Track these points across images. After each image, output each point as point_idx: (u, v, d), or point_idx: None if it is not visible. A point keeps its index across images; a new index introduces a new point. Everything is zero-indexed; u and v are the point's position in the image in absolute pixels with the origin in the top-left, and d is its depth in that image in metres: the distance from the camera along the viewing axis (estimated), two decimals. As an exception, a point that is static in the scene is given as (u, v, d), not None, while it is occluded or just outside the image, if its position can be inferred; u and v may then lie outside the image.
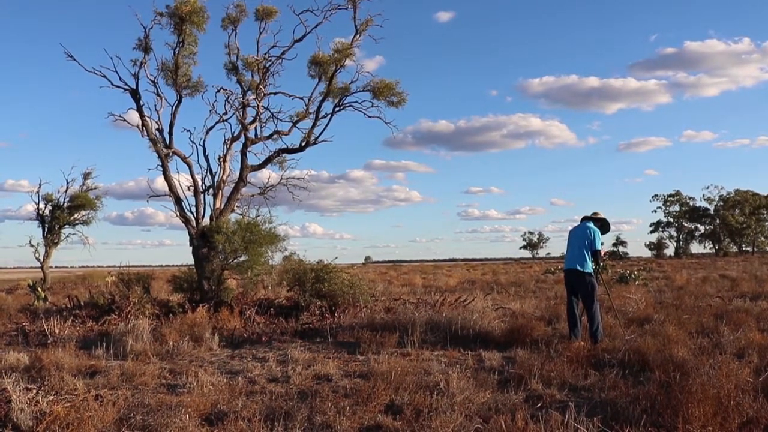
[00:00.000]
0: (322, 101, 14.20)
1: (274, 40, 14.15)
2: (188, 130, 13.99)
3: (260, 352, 8.85)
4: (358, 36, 14.01)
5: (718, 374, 5.30)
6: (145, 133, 13.32)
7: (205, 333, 9.61)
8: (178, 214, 13.28)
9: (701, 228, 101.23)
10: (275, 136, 14.36)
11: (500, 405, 5.51)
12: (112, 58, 13.19)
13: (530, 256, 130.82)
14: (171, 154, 13.58)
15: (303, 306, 11.83)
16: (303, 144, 14.19)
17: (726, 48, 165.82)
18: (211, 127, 14.08)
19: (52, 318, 11.14)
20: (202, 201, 13.53)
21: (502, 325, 9.79)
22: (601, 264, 9.73)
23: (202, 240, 12.85)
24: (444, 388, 5.98)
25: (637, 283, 20.55)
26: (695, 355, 7.16)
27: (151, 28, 13.35)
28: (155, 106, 13.68)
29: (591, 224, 8.98)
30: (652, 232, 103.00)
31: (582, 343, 8.29)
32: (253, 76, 14.33)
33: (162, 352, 8.71)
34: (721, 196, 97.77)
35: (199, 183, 13.62)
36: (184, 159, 13.72)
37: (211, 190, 13.74)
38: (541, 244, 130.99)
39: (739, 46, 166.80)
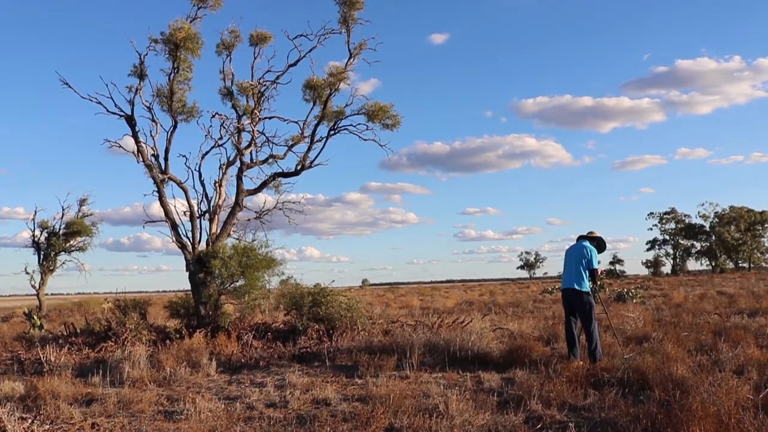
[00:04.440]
0: (317, 125, 14.29)
1: (268, 65, 14.29)
2: (184, 156, 14.04)
3: (258, 377, 8.79)
4: (352, 60, 14.14)
5: (718, 392, 5.29)
6: (141, 159, 13.34)
7: (203, 358, 9.56)
8: (174, 239, 13.26)
9: (697, 245, 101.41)
10: (271, 161, 14.41)
11: (500, 426, 5.48)
12: (107, 85, 13.30)
13: (527, 275, 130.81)
14: (167, 179, 13.59)
15: (300, 330, 11.78)
16: (298, 168, 14.23)
17: (717, 66, 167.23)
18: (207, 152, 14.15)
19: (47, 346, 11.06)
20: (199, 226, 13.53)
21: (500, 345, 9.76)
22: (599, 283, 9.73)
23: (198, 265, 12.82)
24: (443, 411, 5.95)
25: (634, 301, 20.53)
26: (694, 372, 7.14)
27: (146, 54, 13.45)
28: (150, 131, 13.75)
29: (587, 243, 9.00)
30: (648, 249, 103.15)
31: (581, 362, 8.27)
32: (248, 101, 14.42)
33: (159, 378, 8.65)
34: (716, 212, 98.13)
35: (195, 208, 13.62)
36: (179, 184, 13.74)
37: (207, 215, 13.74)
38: (538, 263, 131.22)
39: (731, 64, 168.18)
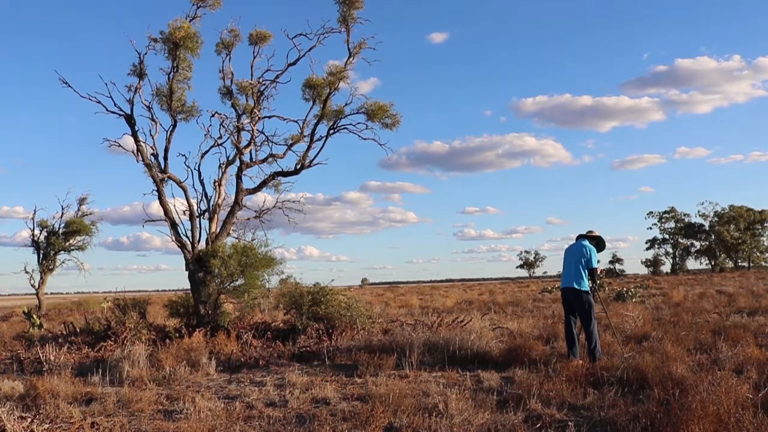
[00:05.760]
0: (317, 124, 14.27)
1: (267, 64, 14.27)
2: (183, 155, 14.02)
3: (258, 377, 8.79)
4: (351, 59, 14.12)
5: (717, 391, 5.29)
6: (140, 158, 13.32)
7: (202, 358, 9.56)
8: (174, 238, 13.25)
9: (697, 244, 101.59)
10: (270, 160, 14.39)
11: (499, 426, 5.48)
12: (107, 84, 13.25)
13: (527, 275, 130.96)
14: (166, 178, 13.58)
15: (300, 329, 11.78)
16: (298, 167, 14.22)
17: (717, 65, 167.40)
18: (206, 152, 14.13)
19: (47, 345, 11.05)
20: (198, 225, 13.52)
21: (500, 345, 9.76)
22: (598, 282, 9.74)
23: (198, 264, 12.82)
24: (443, 410, 5.95)
25: (634, 300, 20.53)
26: (694, 371, 7.15)
27: (146, 53, 13.43)
28: (150, 131, 13.73)
29: (587, 242, 9.00)
30: (648, 249, 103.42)
31: (580, 361, 8.27)
32: (247, 100, 14.41)
33: (159, 377, 8.65)
34: (715, 212, 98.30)
35: (195, 207, 13.61)
36: (179, 183, 13.72)
37: (206, 215, 13.73)
38: (538, 263, 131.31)
39: (731, 63, 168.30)
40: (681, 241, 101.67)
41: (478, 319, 12.89)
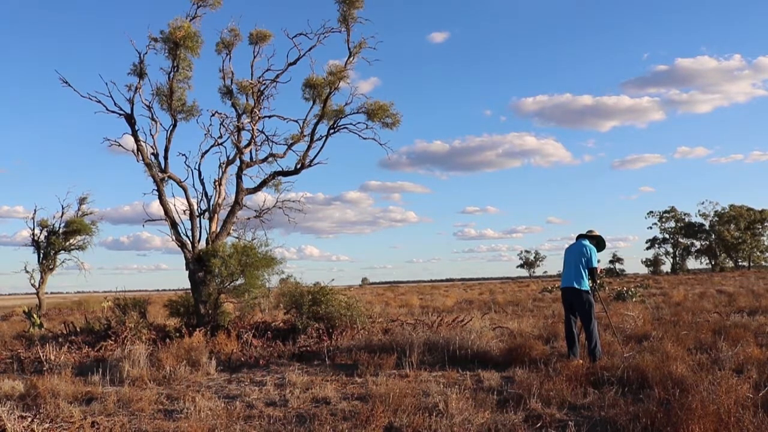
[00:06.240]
0: (317, 124, 14.28)
1: (268, 64, 14.27)
2: (183, 154, 14.02)
3: (258, 376, 8.79)
4: (351, 58, 14.12)
5: (718, 390, 5.29)
6: (141, 158, 13.32)
7: (202, 357, 9.56)
8: (174, 238, 13.25)
9: (697, 244, 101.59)
10: (270, 159, 14.39)
11: (500, 425, 5.48)
12: (107, 84, 13.24)
13: (527, 274, 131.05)
14: (166, 178, 13.58)
15: (300, 329, 11.78)
16: (298, 166, 14.22)
17: (717, 65, 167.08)
18: (207, 151, 14.12)
19: (47, 344, 11.05)
20: (198, 225, 13.52)
21: (500, 344, 9.76)
22: (598, 281, 9.74)
23: (198, 264, 12.82)
24: (443, 410, 5.95)
25: (634, 300, 20.54)
26: (694, 371, 7.14)
27: (146, 53, 13.42)
28: (150, 130, 13.73)
29: (587, 242, 9.00)
30: (648, 248, 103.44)
31: (581, 361, 8.27)
32: (247, 100, 14.41)
33: (159, 377, 8.65)
34: (716, 211, 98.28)
35: (195, 207, 13.61)
36: (179, 183, 13.72)
37: (206, 214, 13.73)
38: (538, 262, 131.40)
39: (731, 62, 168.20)
40: (681, 240, 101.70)
41: (479, 318, 12.89)
